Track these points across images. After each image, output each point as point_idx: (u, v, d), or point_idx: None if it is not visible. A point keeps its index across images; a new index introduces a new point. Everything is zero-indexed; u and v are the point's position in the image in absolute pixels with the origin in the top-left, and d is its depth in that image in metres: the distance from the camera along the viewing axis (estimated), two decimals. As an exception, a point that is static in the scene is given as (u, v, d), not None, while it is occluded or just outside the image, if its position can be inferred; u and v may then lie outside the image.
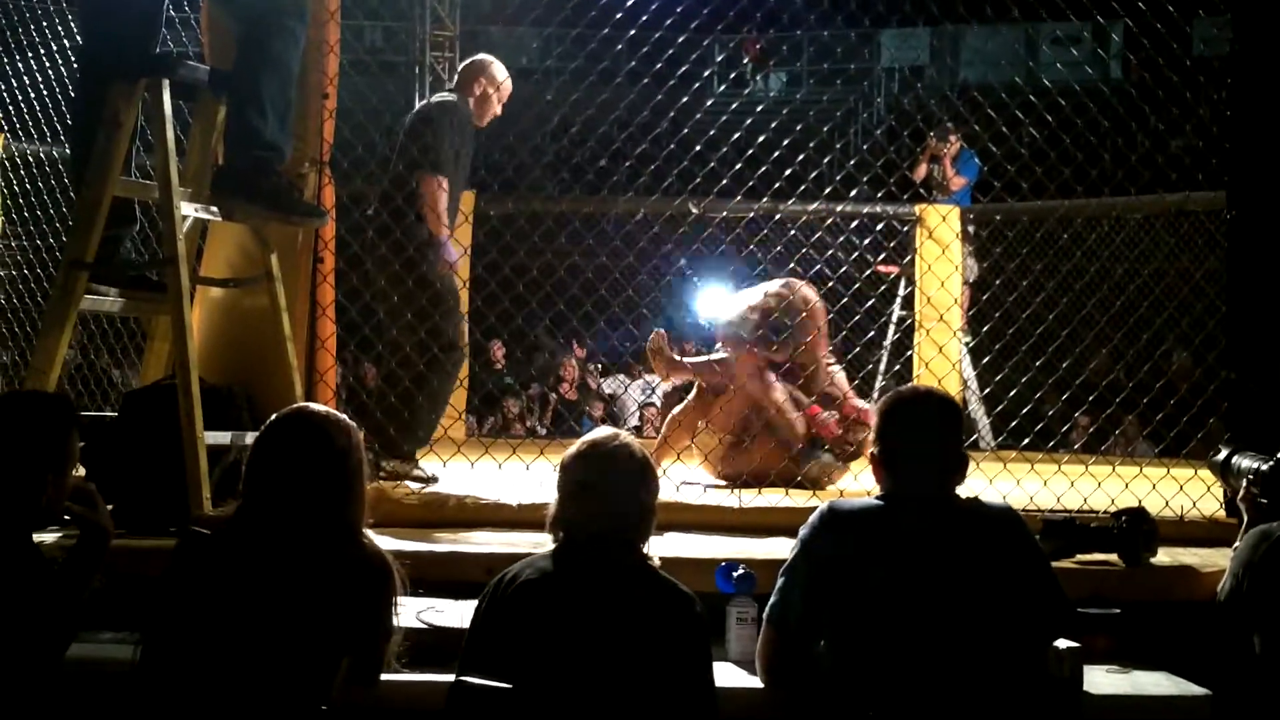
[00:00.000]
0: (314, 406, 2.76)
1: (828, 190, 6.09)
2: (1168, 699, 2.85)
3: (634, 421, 9.41)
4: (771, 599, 2.72)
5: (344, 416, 2.67)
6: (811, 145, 6.27)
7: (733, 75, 15.27)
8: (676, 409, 5.53)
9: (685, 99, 5.66)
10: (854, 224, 7.00)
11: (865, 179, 8.13)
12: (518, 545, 3.31)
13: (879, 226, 7.67)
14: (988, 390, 6.53)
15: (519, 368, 10.27)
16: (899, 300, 8.14)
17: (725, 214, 6.95)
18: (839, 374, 5.44)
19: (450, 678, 2.43)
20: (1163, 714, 2.85)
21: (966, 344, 7.62)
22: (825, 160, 6.72)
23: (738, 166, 5.29)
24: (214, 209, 3.82)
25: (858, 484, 4.93)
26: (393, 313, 4.68)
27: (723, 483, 4.99)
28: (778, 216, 6.00)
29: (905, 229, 7.90)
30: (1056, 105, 5.30)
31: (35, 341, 3.96)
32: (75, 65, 5.09)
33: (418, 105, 5.61)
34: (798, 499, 4.08)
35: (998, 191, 6.44)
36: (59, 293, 3.67)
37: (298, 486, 2.54)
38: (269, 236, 3.89)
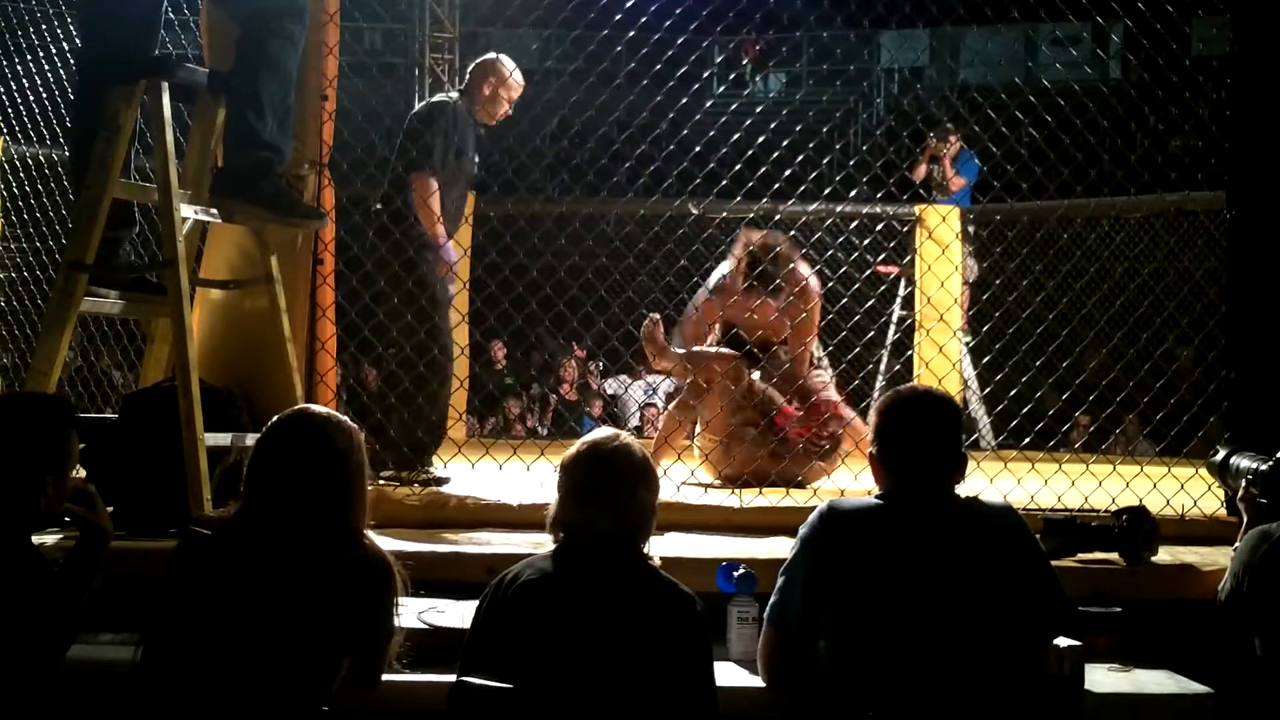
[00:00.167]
0: (315, 408, 2.76)
1: (827, 191, 6.08)
2: (1169, 697, 2.85)
3: (635, 422, 9.41)
4: (772, 598, 2.72)
5: (345, 418, 2.67)
6: (811, 146, 6.25)
7: (732, 76, 15.28)
8: (672, 405, 5.55)
9: (685, 100, 5.66)
10: (854, 224, 7.00)
11: (865, 179, 8.12)
12: (519, 545, 3.31)
13: (879, 227, 7.66)
14: (988, 390, 6.53)
15: (519, 368, 10.27)
16: (899, 300, 8.14)
17: (725, 214, 6.96)
18: (826, 371, 5.45)
19: (451, 678, 2.43)
20: (1164, 712, 2.84)
21: (967, 344, 7.62)
22: (825, 161, 6.71)
23: (737, 167, 5.28)
24: (213, 211, 3.82)
25: (858, 484, 4.93)
26: (390, 314, 4.69)
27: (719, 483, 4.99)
28: (777, 217, 6.00)
29: (905, 229, 7.90)
30: (1056, 105, 5.30)
31: (35, 343, 3.96)
32: (74, 68, 5.09)
33: (417, 107, 5.62)
34: (798, 499, 4.08)
35: (997, 192, 6.42)
36: (59, 294, 3.67)
37: (299, 487, 2.54)
38: (269, 238, 3.89)
